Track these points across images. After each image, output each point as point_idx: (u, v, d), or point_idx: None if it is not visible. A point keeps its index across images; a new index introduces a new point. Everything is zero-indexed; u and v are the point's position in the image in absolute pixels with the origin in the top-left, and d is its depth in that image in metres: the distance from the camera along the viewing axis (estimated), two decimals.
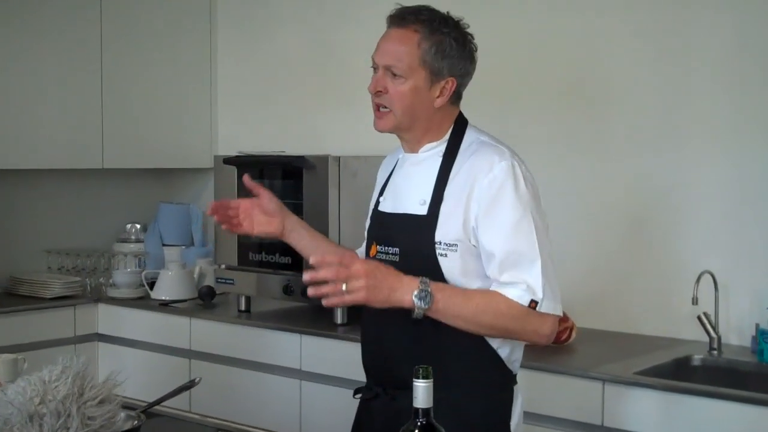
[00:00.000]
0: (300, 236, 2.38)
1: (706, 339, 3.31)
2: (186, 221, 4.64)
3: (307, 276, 1.99)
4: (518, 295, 2.03)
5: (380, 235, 2.24)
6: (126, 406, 2.28)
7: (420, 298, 1.99)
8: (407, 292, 2.01)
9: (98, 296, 4.39)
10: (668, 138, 3.54)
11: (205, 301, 4.14)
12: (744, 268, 3.38)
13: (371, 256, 2.22)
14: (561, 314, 2.11)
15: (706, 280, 3.30)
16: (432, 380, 1.59)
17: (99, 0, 4.40)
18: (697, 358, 3.27)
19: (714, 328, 3.30)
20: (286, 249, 3.41)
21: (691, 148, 3.50)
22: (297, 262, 3.69)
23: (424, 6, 2.16)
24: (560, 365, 3.10)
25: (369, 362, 2.28)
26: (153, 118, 4.63)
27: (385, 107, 2.14)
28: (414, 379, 1.59)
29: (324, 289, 1.97)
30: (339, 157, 3.71)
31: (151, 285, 4.30)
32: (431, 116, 2.17)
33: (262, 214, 2.33)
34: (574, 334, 3.36)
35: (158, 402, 2.41)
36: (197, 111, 4.80)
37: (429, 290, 2.00)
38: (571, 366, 3.09)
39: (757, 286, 3.35)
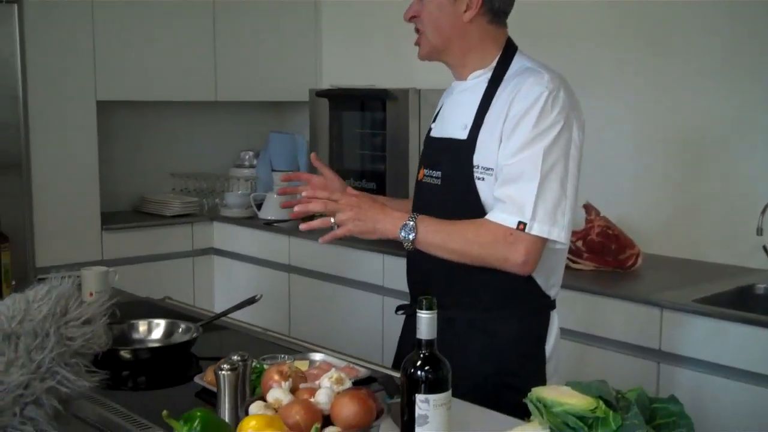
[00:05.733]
0: None
1: None
2: (293, 149, 4.49)
3: (298, 208, 1.92)
4: (503, 218, 1.78)
5: (427, 159, 2.02)
6: (190, 319, 2.20)
7: (405, 231, 1.82)
8: (392, 224, 1.84)
9: (213, 215, 4.34)
10: (738, 65, 3.14)
11: (305, 222, 3.99)
12: None
13: (419, 179, 2.02)
14: (562, 240, 1.80)
15: None
16: (435, 311, 1.35)
17: None
18: (760, 287, 2.92)
19: None
20: (372, 176, 3.59)
21: (760, 75, 3.09)
22: (381, 188, 3.56)
23: None
24: (622, 290, 2.83)
25: (409, 280, 2.10)
26: (262, 54, 4.50)
27: (420, 31, 1.95)
28: (417, 310, 1.36)
29: (314, 224, 1.89)
30: (419, 90, 3.50)
31: (259, 206, 4.20)
32: (465, 34, 1.90)
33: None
34: (639, 261, 3.10)
35: (220, 316, 2.29)
36: (302, 47, 4.62)
37: (413, 223, 1.82)
38: (633, 291, 2.82)
39: None
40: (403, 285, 2.13)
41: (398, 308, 2.14)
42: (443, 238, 1.83)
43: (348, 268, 3.63)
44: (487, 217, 1.81)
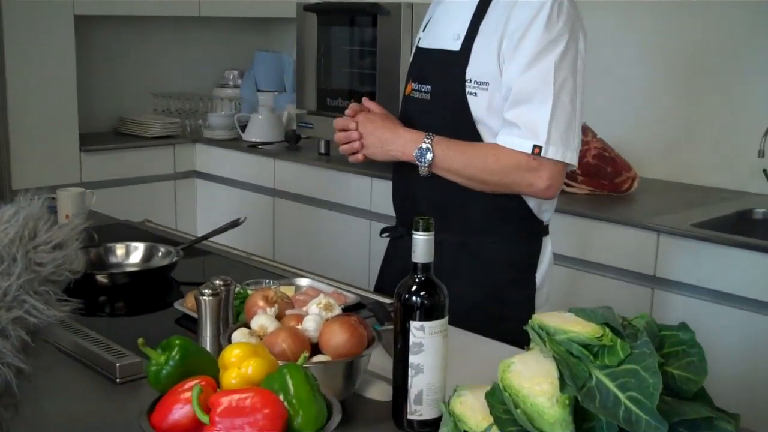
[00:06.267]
0: None
1: None
2: (279, 68, 4.35)
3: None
4: (518, 143, 1.69)
5: (416, 72, 1.89)
6: (170, 242, 2.11)
7: (421, 154, 1.74)
8: (403, 146, 1.77)
9: (196, 137, 4.23)
10: None
11: (291, 144, 3.93)
12: None
13: (406, 94, 1.90)
14: (574, 163, 1.73)
15: None
16: (433, 233, 1.26)
17: None
18: (759, 212, 2.85)
19: None
20: (361, 96, 3.31)
21: None
22: None
23: None
24: (618, 215, 2.76)
25: (396, 202, 2.00)
26: None
27: None
28: (413, 231, 1.26)
29: (343, 149, 1.86)
30: (413, 4, 3.34)
31: (243, 127, 4.09)
32: None
33: None
34: (635, 185, 3.02)
35: (201, 239, 2.21)
36: None
37: (430, 146, 1.74)
38: (628, 216, 2.74)
39: None
40: (391, 209, 2.04)
41: (383, 230, 2.05)
42: (463, 164, 1.74)
43: (335, 191, 3.54)
44: (499, 142, 1.71)
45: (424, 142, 1.73)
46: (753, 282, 2.42)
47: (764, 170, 2.91)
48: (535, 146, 1.68)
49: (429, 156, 1.73)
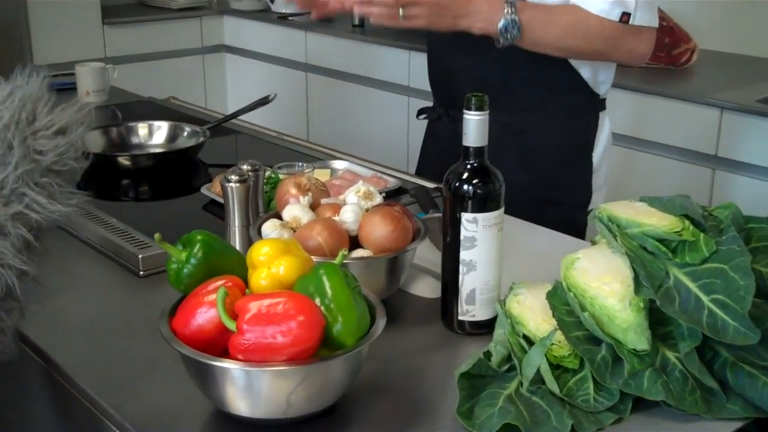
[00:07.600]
0: None
1: None
2: None
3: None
4: (605, 10, 1.52)
5: None
6: (196, 121, 1.98)
7: (506, 30, 1.50)
8: (480, 19, 1.52)
9: (223, 8, 4.04)
10: None
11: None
12: None
13: None
14: (657, 26, 1.58)
15: None
16: (487, 112, 1.11)
17: None
18: None
19: None
20: None
21: None
22: None
23: None
24: (676, 89, 2.57)
25: (433, 79, 1.83)
26: None
27: None
28: (464, 111, 1.10)
29: (375, 10, 1.49)
30: None
31: None
32: None
33: None
34: (695, 57, 2.83)
35: (229, 118, 2.07)
36: None
37: (516, 18, 1.50)
38: (688, 90, 2.56)
39: None
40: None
41: (420, 111, 1.88)
42: (558, 34, 1.55)
43: (371, 65, 3.37)
44: (585, 6, 1.53)
45: (509, 13, 1.51)
46: None
47: None
48: (623, 13, 1.52)
49: (515, 30, 1.52)
